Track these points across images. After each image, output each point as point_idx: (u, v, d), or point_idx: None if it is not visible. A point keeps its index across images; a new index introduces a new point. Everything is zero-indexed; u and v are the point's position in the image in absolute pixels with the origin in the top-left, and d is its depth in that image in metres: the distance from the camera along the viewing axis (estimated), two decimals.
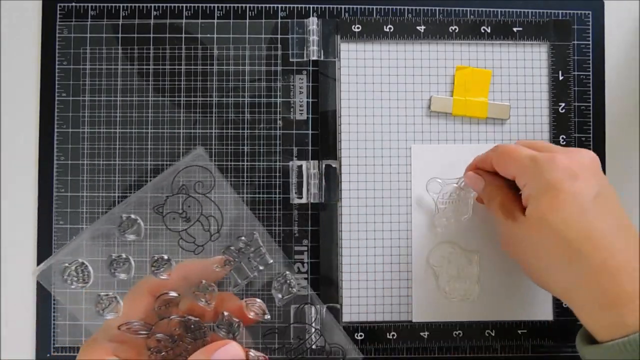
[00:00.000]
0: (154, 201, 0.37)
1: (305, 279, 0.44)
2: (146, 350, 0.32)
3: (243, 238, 0.37)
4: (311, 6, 0.46)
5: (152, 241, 0.38)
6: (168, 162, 0.45)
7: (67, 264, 0.34)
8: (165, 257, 0.36)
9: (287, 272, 0.38)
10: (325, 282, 0.44)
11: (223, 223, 0.38)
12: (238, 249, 0.36)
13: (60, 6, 0.45)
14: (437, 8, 0.46)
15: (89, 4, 0.45)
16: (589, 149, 0.46)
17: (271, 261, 0.36)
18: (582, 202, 0.33)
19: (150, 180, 0.40)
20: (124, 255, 0.35)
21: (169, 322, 0.33)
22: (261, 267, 0.36)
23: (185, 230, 0.37)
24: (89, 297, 0.44)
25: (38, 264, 0.44)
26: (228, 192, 0.38)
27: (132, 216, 0.36)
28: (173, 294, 0.34)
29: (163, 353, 0.32)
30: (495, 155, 0.38)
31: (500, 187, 0.39)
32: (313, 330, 0.43)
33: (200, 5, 0.45)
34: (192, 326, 0.33)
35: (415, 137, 0.45)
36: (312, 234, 0.44)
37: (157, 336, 0.32)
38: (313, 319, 0.43)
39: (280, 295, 0.39)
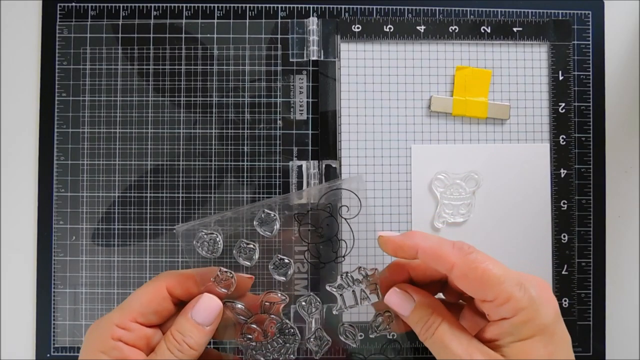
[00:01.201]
0: (297, 207, 0.38)
1: (305, 279, 0.44)
2: (239, 335, 0.33)
3: (362, 271, 0.37)
4: (311, 6, 0.46)
5: (276, 245, 0.39)
6: (168, 162, 0.45)
7: (204, 232, 0.36)
8: (287, 260, 0.38)
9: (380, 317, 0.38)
10: (325, 282, 0.44)
11: (351, 251, 0.38)
12: (354, 278, 0.37)
13: (60, 6, 0.45)
14: (437, 8, 0.46)
15: (89, 4, 0.45)
16: (589, 149, 0.46)
17: (380, 298, 0.36)
18: (568, 341, 0.30)
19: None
20: (252, 245, 0.37)
21: (268, 318, 0.34)
22: (366, 303, 0.37)
23: (315, 245, 0.38)
24: (89, 298, 0.44)
25: (38, 263, 0.44)
26: (366, 221, 0.39)
27: (272, 214, 0.38)
28: (280, 295, 0.35)
29: (254, 343, 0.34)
30: (458, 260, 0.30)
31: (439, 310, 0.32)
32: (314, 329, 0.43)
33: (200, 5, 0.45)
34: (287, 331, 0.34)
35: (415, 137, 0.45)
36: (312, 234, 0.44)
37: (252, 325, 0.33)
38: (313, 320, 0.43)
39: (375, 329, 0.39)
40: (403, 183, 0.45)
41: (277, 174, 0.45)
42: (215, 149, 0.45)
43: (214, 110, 0.45)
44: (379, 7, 0.45)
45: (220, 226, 0.37)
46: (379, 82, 0.45)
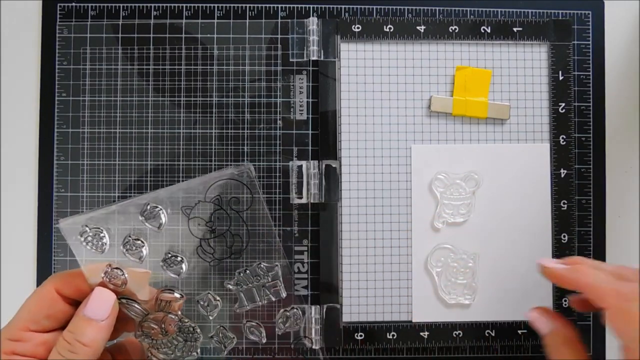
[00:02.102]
0: (184, 201, 0.36)
1: (305, 279, 0.44)
2: (137, 332, 0.32)
3: (263, 266, 0.37)
4: (311, 6, 0.46)
5: (167, 240, 0.37)
6: (168, 162, 0.45)
7: (87, 227, 0.34)
8: (179, 257, 0.36)
9: (297, 309, 0.38)
10: (325, 282, 0.44)
11: (248, 245, 0.37)
12: (255, 274, 0.37)
13: (60, 6, 0.45)
14: (437, 8, 0.46)
15: (89, 4, 0.45)
16: (589, 149, 0.46)
17: (284, 295, 0.37)
18: None
19: (179, 182, 0.40)
20: (140, 241, 0.35)
21: (165, 317, 0.33)
22: (273, 298, 0.37)
23: (207, 240, 0.37)
24: None
25: (38, 263, 0.44)
26: (262, 211, 0.38)
27: (157, 207, 0.36)
28: (176, 294, 0.34)
29: (152, 340, 0.33)
30: (612, 305, 0.30)
31: (569, 344, 0.34)
32: (314, 332, 0.43)
33: (200, 5, 0.45)
34: (186, 329, 0.34)
35: (415, 137, 0.45)
36: (312, 234, 0.44)
37: (151, 323, 0.33)
38: (313, 320, 0.43)
39: (282, 327, 0.39)
40: (403, 183, 0.45)
41: (277, 174, 0.45)
42: (215, 149, 0.45)
43: (214, 110, 0.45)
44: (379, 7, 0.45)
45: (107, 221, 0.35)
46: (379, 82, 0.45)
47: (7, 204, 0.45)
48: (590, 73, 0.46)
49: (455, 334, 0.44)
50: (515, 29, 0.45)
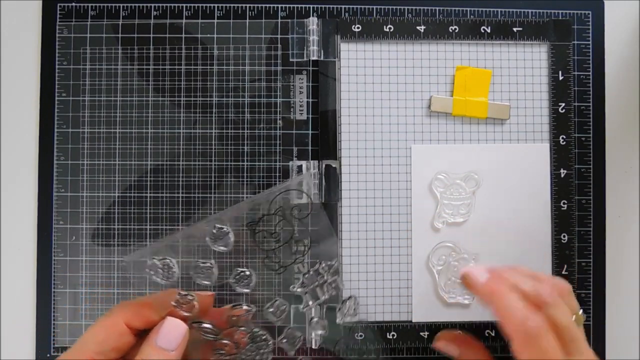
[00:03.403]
0: (248, 217, 0.38)
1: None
2: (213, 351, 0.33)
3: (325, 265, 0.39)
4: (311, 6, 0.46)
5: (235, 256, 0.38)
6: (168, 162, 0.45)
7: (156, 259, 0.35)
8: (247, 272, 0.37)
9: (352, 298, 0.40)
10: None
11: (310, 249, 0.40)
12: (318, 274, 0.39)
13: (60, 6, 0.45)
14: (437, 8, 0.46)
15: (89, 4, 0.45)
16: (589, 149, 0.46)
17: (344, 287, 0.39)
18: None
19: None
20: (209, 264, 0.36)
21: (237, 331, 0.34)
22: (334, 293, 0.39)
23: (274, 250, 0.38)
24: (89, 298, 0.44)
25: (38, 263, 0.44)
26: (322, 220, 0.40)
27: (225, 228, 0.37)
28: (245, 307, 0.35)
29: (227, 357, 0.34)
30: (515, 334, 0.31)
31: None
32: (319, 329, 0.43)
33: (200, 5, 0.45)
34: (258, 338, 0.35)
35: (415, 137, 0.45)
36: (312, 234, 0.44)
37: (223, 341, 0.33)
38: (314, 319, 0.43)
39: (341, 315, 0.41)
40: (403, 183, 0.45)
41: (277, 174, 0.45)
42: (215, 149, 0.45)
43: (214, 110, 0.45)
44: (379, 7, 0.45)
45: (172, 250, 0.36)
46: (379, 82, 0.45)
47: (7, 204, 0.45)
48: (590, 73, 0.46)
49: None
50: (515, 29, 0.45)
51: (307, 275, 0.39)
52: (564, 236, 0.45)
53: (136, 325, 0.31)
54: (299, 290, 0.39)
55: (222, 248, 0.38)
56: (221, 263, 0.38)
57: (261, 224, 0.38)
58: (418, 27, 0.45)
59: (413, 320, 0.44)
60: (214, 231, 0.37)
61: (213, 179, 0.45)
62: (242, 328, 0.34)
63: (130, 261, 0.36)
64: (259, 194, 0.40)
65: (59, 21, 0.45)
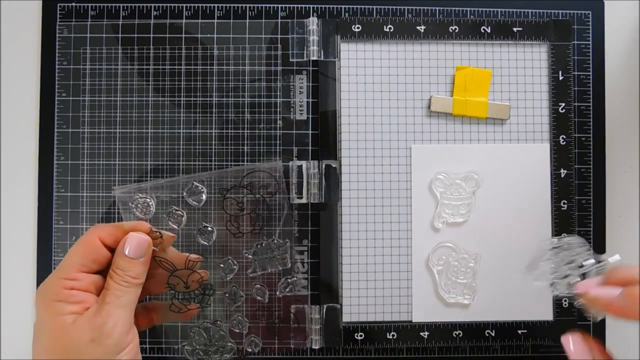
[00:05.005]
0: (223, 185, 0.43)
1: (305, 279, 0.44)
2: (166, 283, 0.38)
3: (277, 241, 0.43)
4: (311, 6, 0.46)
5: (199, 214, 0.43)
6: (168, 162, 0.45)
7: (138, 196, 0.41)
8: (210, 228, 0.43)
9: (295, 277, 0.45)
10: (325, 282, 0.44)
11: (266, 224, 0.44)
12: (269, 247, 0.43)
13: (60, 6, 0.45)
14: (437, 8, 0.46)
15: (89, 4, 0.45)
16: (589, 149, 0.46)
17: (289, 265, 0.43)
18: None
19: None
20: (180, 212, 0.42)
21: (191, 274, 0.38)
22: (280, 268, 0.43)
23: (236, 216, 0.43)
24: None
25: (38, 263, 0.44)
26: (283, 200, 0.44)
27: (200, 187, 0.43)
28: (201, 257, 0.39)
29: (175, 292, 0.38)
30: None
31: None
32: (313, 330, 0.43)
33: (200, 5, 0.45)
34: (205, 285, 0.38)
35: (415, 137, 0.45)
36: (312, 234, 0.44)
37: (178, 277, 0.38)
38: (312, 320, 0.43)
39: (283, 291, 0.44)
40: (403, 183, 0.45)
41: (277, 174, 0.45)
42: (215, 149, 0.45)
43: (214, 110, 0.45)
44: (379, 7, 0.45)
45: (155, 192, 0.42)
46: (379, 82, 0.45)
47: (7, 204, 0.45)
48: (590, 73, 0.46)
49: (455, 334, 0.44)
50: (515, 29, 0.45)
51: (259, 246, 0.43)
52: (564, 236, 0.45)
53: (109, 242, 0.35)
54: (250, 256, 0.43)
55: (194, 203, 0.43)
56: (190, 215, 0.43)
57: (232, 191, 0.43)
58: (418, 27, 0.45)
59: (413, 320, 0.44)
60: (192, 186, 0.42)
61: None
62: (196, 272, 0.38)
63: (117, 194, 0.41)
64: (242, 165, 0.45)
65: (59, 21, 0.45)
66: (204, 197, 0.43)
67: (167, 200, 0.42)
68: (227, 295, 0.43)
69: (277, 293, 0.44)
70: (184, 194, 0.43)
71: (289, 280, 0.44)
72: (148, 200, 0.41)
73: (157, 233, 0.36)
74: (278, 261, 0.43)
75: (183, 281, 0.38)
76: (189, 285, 0.38)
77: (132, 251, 0.35)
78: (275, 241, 0.43)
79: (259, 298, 0.43)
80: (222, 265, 0.43)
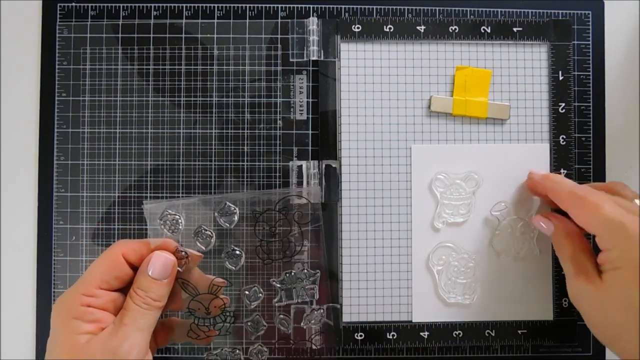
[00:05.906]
0: (257, 207, 0.42)
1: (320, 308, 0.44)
2: (187, 307, 0.37)
3: (305, 271, 0.42)
4: (311, 6, 0.46)
5: (231, 238, 0.42)
6: (168, 162, 0.45)
7: (168, 212, 0.39)
8: (238, 252, 0.42)
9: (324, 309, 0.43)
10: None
11: (298, 253, 0.42)
12: (298, 277, 0.42)
13: (60, 6, 0.45)
14: (437, 8, 0.46)
15: (89, 4, 0.45)
16: (589, 149, 0.46)
17: (317, 297, 0.42)
18: None
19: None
20: (210, 232, 0.40)
21: (213, 299, 0.37)
22: (307, 299, 0.42)
23: (267, 242, 0.42)
24: None
25: (38, 264, 0.44)
26: (317, 229, 0.43)
27: (233, 208, 0.41)
28: (227, 281, 0.38)
29: (195, 318, 0.37)
30: (571, 202, 0.37)
31: (570, 237, 0.38)
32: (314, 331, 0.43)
33: (200, 5, 0.45)
34: (226, 312, 0.37)
35: (415, 137, 0.45)
36: (312, 234, 0.44)
37: (199, 302, 0.36)
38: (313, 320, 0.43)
39: (308, 322, 0.43)
40: (403, 183, 0.45)
41: (277, 174, 0.45)
42: (215, 149, 0.45)
43: (214, 110, 0.45)
44: (379, 7, 0.45)
45: (186, 210, 0.40)
46: (379, 82, 0.45)
47: (7, 204, 0.45)
48: (590, 73, 0.46)
49: (455, 334, 0.44)
50: (515, 29, 0.45)
51: (288, 275, 0.42)
52: None
53: (132, 260, 0.34)
54: (278, 285, 0.42)
55: (225, 224, 0.41)
56: (220, 237, 0.41)
57: (265, 215, 0.41)
58: (418, 27, 0.45)
59: (413, 320, 0.44)
60: (224, 207, 0.41)
61: (213, 179, 0.45)
62: (219, 298, 0.37)
63: (148, 208, 0.39)
64: (276, 189, 0.44)
65: (59, 21, 0.45)
66: (236, 218, 0.41)
67: (197, 217, 0.41)
68: (250, 324, 0.42)
69: (302, 324, 0.42)
70: (216, 214, 0.41)
71: (315, 312, 0.42)
72: (177, 217, 0.39)
73: (183, 253, 0.35)
74: (306, 292, 0.42)
75: (204, 307, 0.36)
76: (210, 311, 0.36)
77: (156, 272, 0.34)
78: (305, 271, 0.42)
79: (282, 329, 0.42)
80: (247, 293, 0.42)
